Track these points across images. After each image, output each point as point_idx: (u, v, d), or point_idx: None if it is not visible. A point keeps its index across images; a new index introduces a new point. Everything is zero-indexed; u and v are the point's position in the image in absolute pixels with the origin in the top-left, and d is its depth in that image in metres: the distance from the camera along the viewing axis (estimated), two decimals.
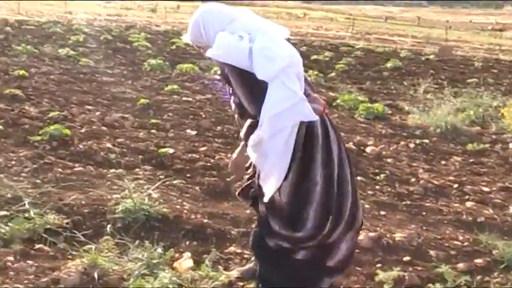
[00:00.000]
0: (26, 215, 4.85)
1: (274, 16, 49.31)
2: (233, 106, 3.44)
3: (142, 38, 20.24)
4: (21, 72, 12.05)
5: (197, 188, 5.97)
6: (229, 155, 6.36)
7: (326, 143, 3.27)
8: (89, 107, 9.34)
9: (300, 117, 3.12)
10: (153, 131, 8.10)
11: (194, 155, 6.95)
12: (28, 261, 4.33)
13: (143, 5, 59.72)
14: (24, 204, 4.99)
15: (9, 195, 5.24)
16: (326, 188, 3.26)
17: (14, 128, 7.78)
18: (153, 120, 8.52)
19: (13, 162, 6.36)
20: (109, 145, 7.09)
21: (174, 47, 18.48)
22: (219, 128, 8.45)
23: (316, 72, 14.87)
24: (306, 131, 3.20)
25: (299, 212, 3.28)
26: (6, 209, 4.98)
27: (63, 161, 6.48)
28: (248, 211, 5.10)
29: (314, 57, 19.46)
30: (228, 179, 6.11)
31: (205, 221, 5.07)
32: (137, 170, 6.31)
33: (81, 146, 7.00)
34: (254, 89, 3.11)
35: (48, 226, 4.81)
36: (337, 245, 3.42)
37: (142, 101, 9.63)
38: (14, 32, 22.16)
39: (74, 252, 4.37)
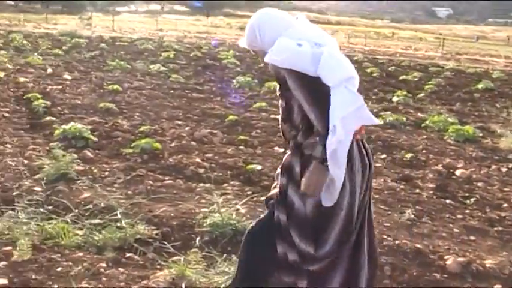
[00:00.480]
0: (118, 224, 5.03)
1: (362, 35, 49.03)
2: (280, 109, 3.47)
3: (231, 56, 20.55)
4: (115, 86, 12.53)
5: None
6: None
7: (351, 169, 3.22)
8: (179, 122, 9.57)
9: (364, 120, 3.16)
10: (241, 147, 8.20)
11: None
12: (119, 269, 4.48)
13: (231, 22, 60.75)
14: (116, 214, 5.18)
15: (102, 205, 5.45)
16: (348, 215, 3.23)
17: (108, 140, 8.08)
18: (241, 137, 8.63)
19: (106, 173, 6.60)
20: (198, 160, 7.23)
21: (262, 64, 18.62)
22: None
23: (404, 93, 14.67)
24: None
25: (320, 232, 3.26)
26: (99, 217, 5.19)
27: (154, 174, 6.66)
28: None
29: (403, 77, 19.25)
30: None
31: None
32: (225, 185, 6.41)
33: (171, 160, 7.17)
34: (317, 91, 3.11)
35: (139, 236, 4.98)
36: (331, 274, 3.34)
37: (231, 117, 9.78)
38: (109, 48, 23.09)
39: (162, 263, 4.49)
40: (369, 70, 20.08)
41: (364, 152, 3.30)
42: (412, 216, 5.78)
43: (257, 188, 6.40)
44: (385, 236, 5.07)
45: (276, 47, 3.16)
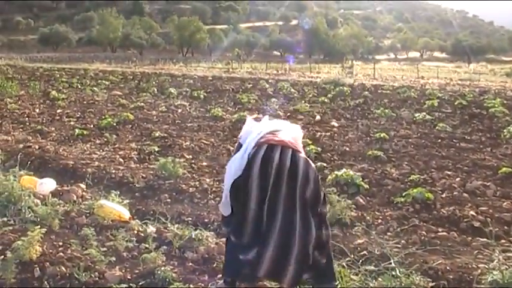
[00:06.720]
0: (393, 273, 5.07)
1: None
2: None
3: (499, 104, 19.64)
4: (382, 134, 12.69)
5: None
6: None
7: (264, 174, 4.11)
8: (449, 173, 9.36)
9: None
10: None
11: None
12: None
13: (495, 68, 58.39)
14: (391, 262, 5.23)
15: (377, 252, 5.57)
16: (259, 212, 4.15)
17: (378, 187, 8.22)
18: None
19: (379, 221, 6.72)
20: (472, 212, 6.99)
21: None
22: None
23: None
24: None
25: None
26: (374, 264, 5.29)
27: (427, 225, 6.62)
28: None
29: None
30: None
31: None
32: (503, 241, 6.13)
33: (443, 211, 7.06)
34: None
35: (414, 287, 4.97)
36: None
37: (504, 169, 9.30)
38: (372, 96, 23.48)
39: None
40: None
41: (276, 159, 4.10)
42: None
43: None
44: None
45: None
